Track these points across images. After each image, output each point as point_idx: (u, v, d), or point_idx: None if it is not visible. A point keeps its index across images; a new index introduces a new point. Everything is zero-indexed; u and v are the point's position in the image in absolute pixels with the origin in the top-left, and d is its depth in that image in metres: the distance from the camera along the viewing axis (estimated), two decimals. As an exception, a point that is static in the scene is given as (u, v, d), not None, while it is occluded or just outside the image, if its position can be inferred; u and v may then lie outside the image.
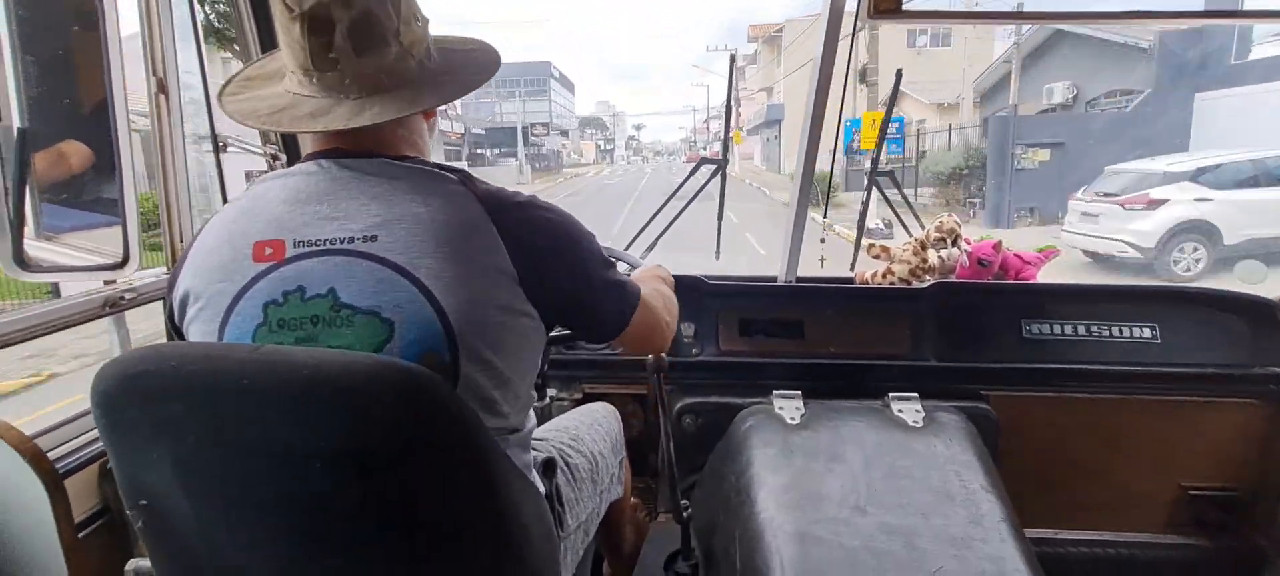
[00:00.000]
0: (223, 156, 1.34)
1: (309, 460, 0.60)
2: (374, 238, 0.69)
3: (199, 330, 0.72)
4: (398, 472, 0.61)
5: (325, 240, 0.70)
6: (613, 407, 1.35)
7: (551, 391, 1.38)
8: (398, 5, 0.75)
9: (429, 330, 0.68)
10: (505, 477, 0.71)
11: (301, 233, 0.71)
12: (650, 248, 1.89)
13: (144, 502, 0.67)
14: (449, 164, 0.82)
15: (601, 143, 79.29)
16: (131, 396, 0.63)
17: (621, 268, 1.50)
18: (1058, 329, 1.59)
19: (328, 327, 0.68)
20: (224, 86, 0.84)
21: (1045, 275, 1.82)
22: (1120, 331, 1.59)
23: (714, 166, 1.83)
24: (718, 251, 1.99)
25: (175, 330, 0.77)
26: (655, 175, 35.54)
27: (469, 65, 0.85)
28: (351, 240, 0.69)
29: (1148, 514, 1.63)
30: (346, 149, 0.77)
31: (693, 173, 1.86)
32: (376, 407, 0.58)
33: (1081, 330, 1.59)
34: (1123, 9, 1.31)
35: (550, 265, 0.77)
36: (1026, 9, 1.37)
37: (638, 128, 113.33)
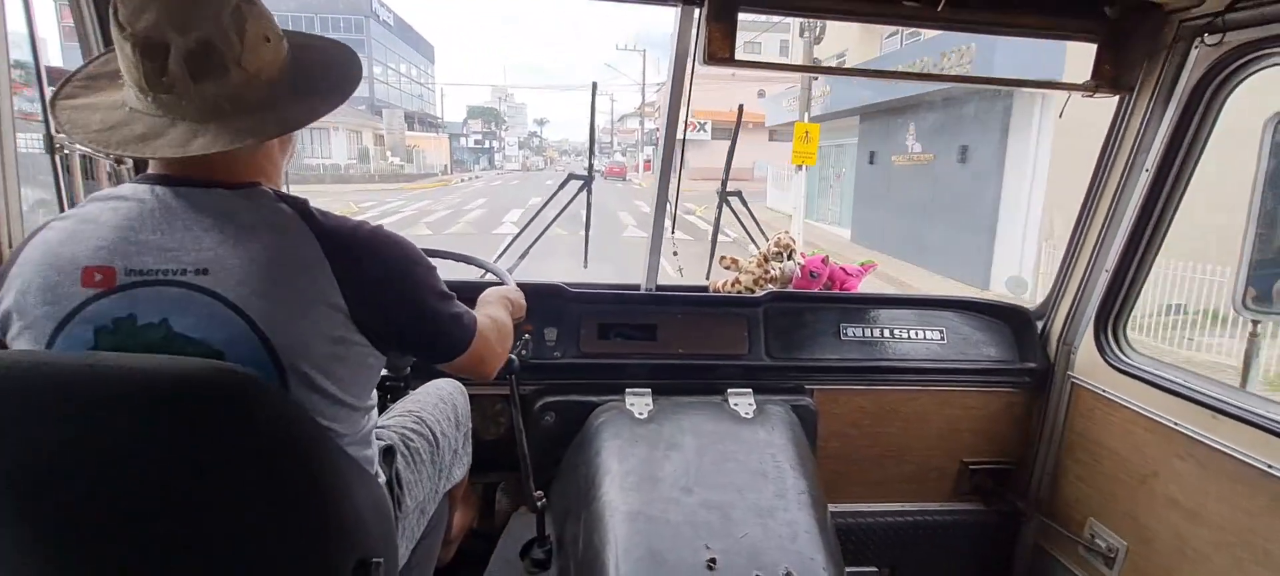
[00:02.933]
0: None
1: (140, 463, 0.65)
2: (205, 271, 0.71)
3: (25, 347, 0.72)
4: (230, 471, 0.67)
5: (158, 271, 0.71)
6: (459, 383, 1.43)
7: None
8: (242, 30, 0.72)
9: (258, 363, 0.72)
10: (337, 470, 0.79)
11: (133, 261, 0.71)
12: (522, 256, 2.00)
13: None
14: (291, 194, 0.82)
15: (476, 137, 60.29)
16: None
17: (489, 278, 1.60)
18: (869, 332, 1.87)
19: (161, 355, 0.69)
20: (62, 86, 0.80)
21: (866, 285, 2.12)
22: (917, 334, 1.89)
23: (581, 182, 1.96)
24: (585, 260, 2.13)
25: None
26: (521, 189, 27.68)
27: (326, 80, 0.83)
28: (184, 272, 0.71)
29: (936, 486, 1.95)
30: (183, 175, 0.75)
31: (561, 187, 1.98)
32: (209, 410, 0.64)
33: (888, 333, 1.88)
34: (904, 69, 1.58)
35: (384, 296, 0.81)
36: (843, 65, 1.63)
37: (540, 123, 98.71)
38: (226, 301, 0.71)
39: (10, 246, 1.11)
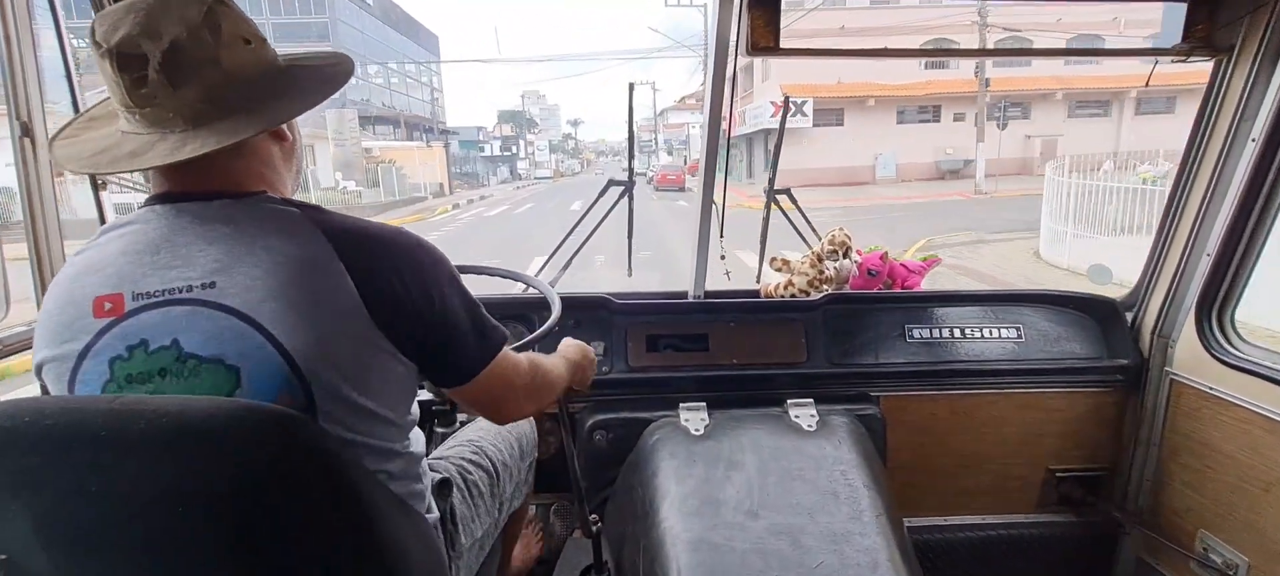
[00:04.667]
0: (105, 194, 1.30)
1: (174, 505, 0.61)
2: (212, 284, 0.69)
3: (53, 387, 0.72)
4: (263, 512, 0.63)
5: (164, 291, 0.69)
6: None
7: (462, 417, 1.40)
8: (217, 30, 0.71)
9: (277, 375, 0.68)
10: (379, 508, 0.74)
11: (139, 284, 0.69)
12: (564, 268, 1.94)
13: (2, 557, 0.66)
14: (297, 199, 0.80)
15: (496, 142, 53.02)
16: None
17: (531, 293, 1.53)
18: (937, 332, 1.74)
19: (175, 379, 0.68)
20: (60, 131, 0.81)
21: (928, 283, 1.98)
22: (991, 332, 1.75)
23: (622, 188, 1.89)
24: (629, 268, 2.05)
25: (44, 388, 0.75)
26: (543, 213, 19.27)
27: (314, 78, 0.81)
28: (190, 288, 0.69)
29: (1020, 496, 1.79)
30: (184, 191, 0.74)
31: (601, 194, 1.92)
32: (241, 451, 0.60)
33: (957, 332, 1.74)
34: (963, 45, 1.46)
35: (403, 293, 0.75)
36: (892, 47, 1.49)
37: (574, 124, 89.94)
38: (236, 312, 0.68)
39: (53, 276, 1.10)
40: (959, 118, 22.12)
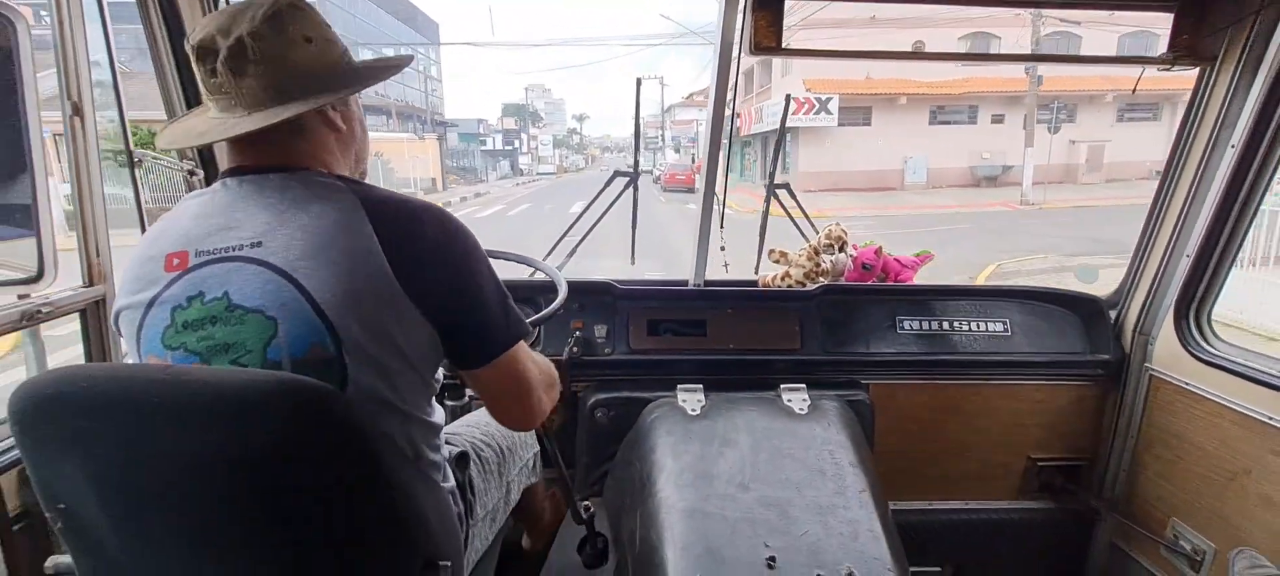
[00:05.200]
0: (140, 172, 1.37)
1: (212, 467, 0.68)
2: (259, 243, 0.77)
3: (127, 333, 0.81)
4: (296, 477, 0.70)
5: (221, 249, 0.78)
6: None
7: (470, 392, 1.47)
8: (281, 30, 0.80)
9: (310, 325, 0.75)
10: (401, 477, 0.82)
11: (202, 244, 0.79)
12: (571, 254, 2.01)
13: (61, 506, 0.74)
14: (348, 177, 0.90)
15: (496, 141, 49.13)
16: (43, 415, 0.70)
17: (538, 276, 1.61)
18: (927, 324, 1.81)
19: (224, 326, 0.76)
20: (167, 123, 0.98)
21: (921, 277, 2.04)
22: (978, 325, 1.82)
23: (627, 179, 1.96)
24: (632, 257, 2.13)
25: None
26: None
27: (369, 72, 0.90)
28: (241, 248, 0.78)
29: (1002, 483, 1.87)
30: (250, 166, 0.85)
31: (607, 184, 1.99)
32: (275, 420, 0.67)
33: (946, 325, 1.82)
34: (968, 50, 1.52)
35: (431, 264, 0.82)
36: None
37: (579, 119, 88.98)
38: (277, 269, 0.76)
39: (99, 255, 1.18)
40: (997, 119, 20.70)
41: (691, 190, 21.88)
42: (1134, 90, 1.58)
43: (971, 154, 20.60)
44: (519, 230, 14.58)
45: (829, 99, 19.07)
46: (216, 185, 0.85)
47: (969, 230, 12.21)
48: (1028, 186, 16.29)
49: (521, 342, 0.92)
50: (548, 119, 79.81)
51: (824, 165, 19.81)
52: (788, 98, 2.03)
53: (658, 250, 9.33)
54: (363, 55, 1.00)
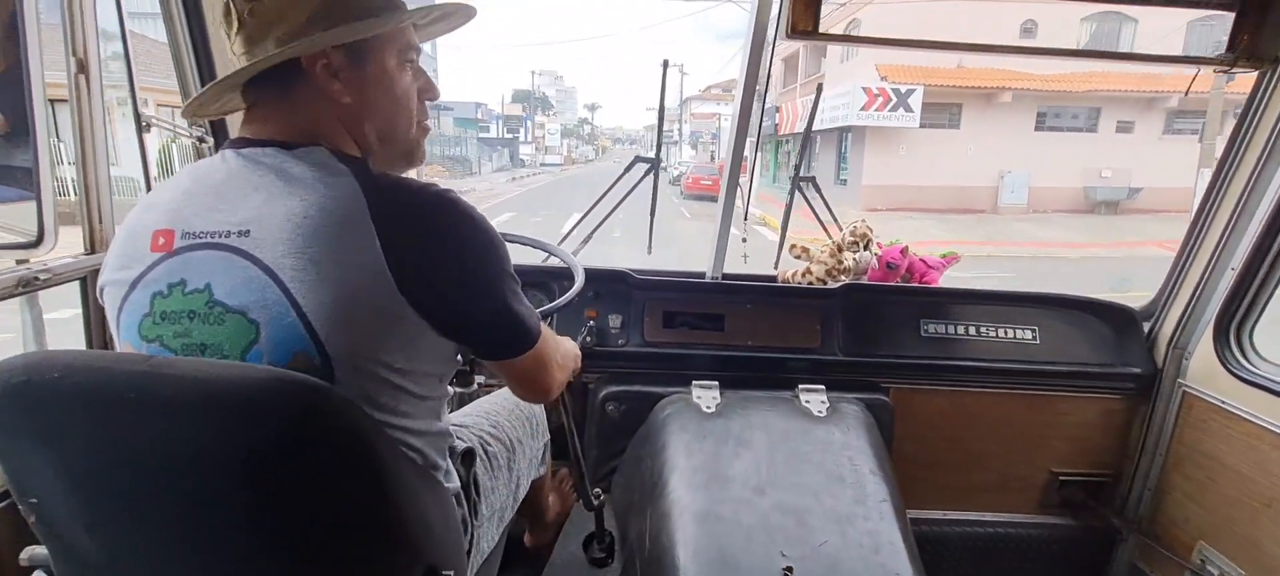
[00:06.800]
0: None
1: (200, 468, 0.63)
2: (247, 232, 0.69)
3: (109, 309, 0.75)
4: (285, 479, 0.64)
5: (207, 232, 0.70)
6: None
7: (480, 378, 1.43)
8: None
9: (292, 333, 0.67)
10: (401, 477, 0.75)
11: (190, 223, 0.71)
12: (586, 239, 1.96)
13: (33, 501, 0.68)
14: (356, 155, 0.79)
15: (499, 128, 44.20)
16: (13, 404, 0.63)
17: (552, 262, 1.56)
18: (952, 329, 1.75)
19: (202, 324, 0.69)
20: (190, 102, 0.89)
21: (948, 278, 1.98)
22: (1006, 332, 1.76)
23: (648, 166, 1.90)
24: (650, 246, 2.07)
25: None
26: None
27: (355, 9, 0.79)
28: (228, 234, 0.69)
29: (1022, 496, 1.81)
30: (246, 137, 0.77)
31: (627, 170, 1.93)
32: (265, 418, 0.61)
33: (972, 330, 1.75)
34: (1009, 43, 1.44)
35: (438, 267, 0.72)
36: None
37: (591, 108, 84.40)
38: (262, 265, 0.68)
39: (102, 221, 1.14)
40: (1124, 127, 16.14)
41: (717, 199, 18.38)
42: (1187, 93, 1.50)
43: (1086, 171, 15.94)
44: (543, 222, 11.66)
45: (910, 91, 14.57)
46: (217, 156, 0.77)
47: (1125, 279, 8.18)
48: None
49: (542, 336, 0.87)
50: (558, 107, 75.15)
51: (894, 177, 15.66)
52: (819, 88, 1.96)
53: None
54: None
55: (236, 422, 0.61)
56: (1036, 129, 16.12)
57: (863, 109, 14.98)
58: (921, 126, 15.32)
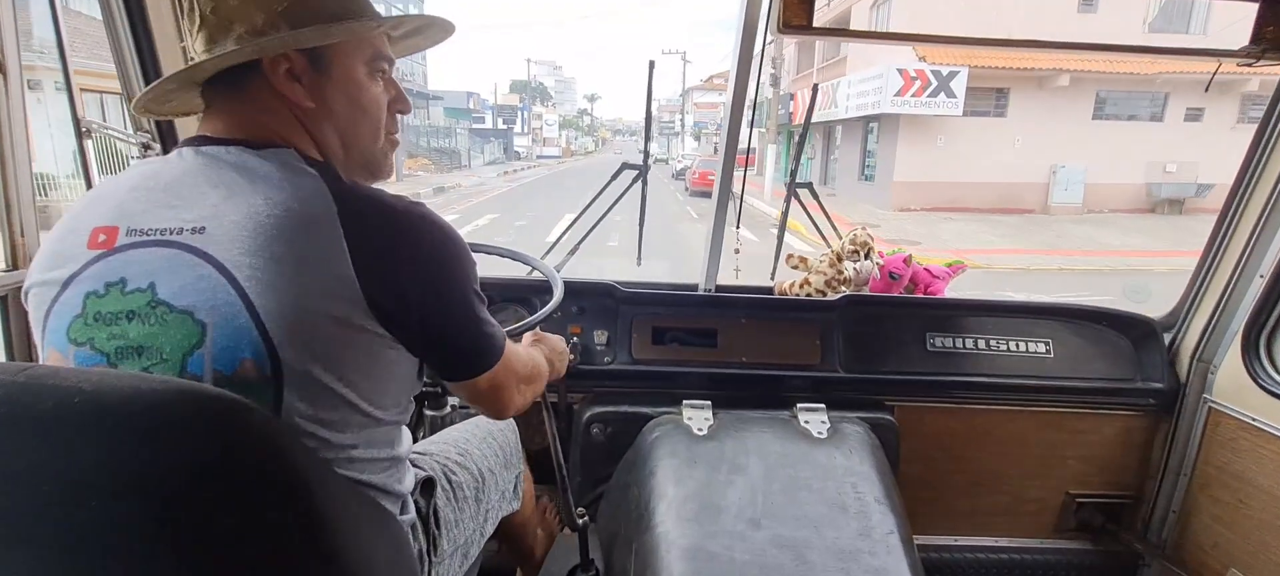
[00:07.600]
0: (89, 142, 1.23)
1: (91, 495, 0.53)
2: (202, 229, 0.64)
3: (34, 315, 0.68)
4: (191, 507, 0.55)
5: (156, 230, 0.65)
6: (510, 420, 1.30)
7: (453, 401, 1.32)
8: None
9: (243, 337, 0.62)
10: (340, 509, 0.66)
11: (137, 220, 0.66)
12: (572, 252, 1.86)
13: None
14: (324, 162, 0.75)
15: (494, 119, 41.53)
16: None
17: (534, 275, 1.46)
18: (960, 343, 1.64)
19: (141, 324, 0.64)
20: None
21: (953, 289, 1.87)
22: (1017, 346, 1.65)
23: (636, 172, 1.80)
24: (639, 257, 1.97)
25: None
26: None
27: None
28: (180, 232, 0.64)
29: (1037, 520, 1.70)
30: (211, 136, 0.72)
31: (614, 178, 1.83)
32: (169, 438, 0.53)
33: (981, 344, 1.65)
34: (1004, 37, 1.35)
35: (404, 274, 0.68)
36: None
37: (591, 99, 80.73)
38: (216, 263, 0.63)
39: (24, 234, 1.04)
40: (1192, 115, 13.91)
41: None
42: (1207, 89, 1.41)
43: (1150, 165, 13.97)
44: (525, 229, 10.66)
45: (953, 73, 12.49)
46: (173, 154, 0.72)
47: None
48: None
49: (505, 356, 0.82)
50: (557, 98, 72.85)
51: (930, 172, 13.74)
52: (814, 88, 1.87)
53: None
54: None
55: (131, 442, 0.53)
56: (1094, 117, 13.98)
57: (898, 94, 13.04)
58: (967, 114, 13.42)
